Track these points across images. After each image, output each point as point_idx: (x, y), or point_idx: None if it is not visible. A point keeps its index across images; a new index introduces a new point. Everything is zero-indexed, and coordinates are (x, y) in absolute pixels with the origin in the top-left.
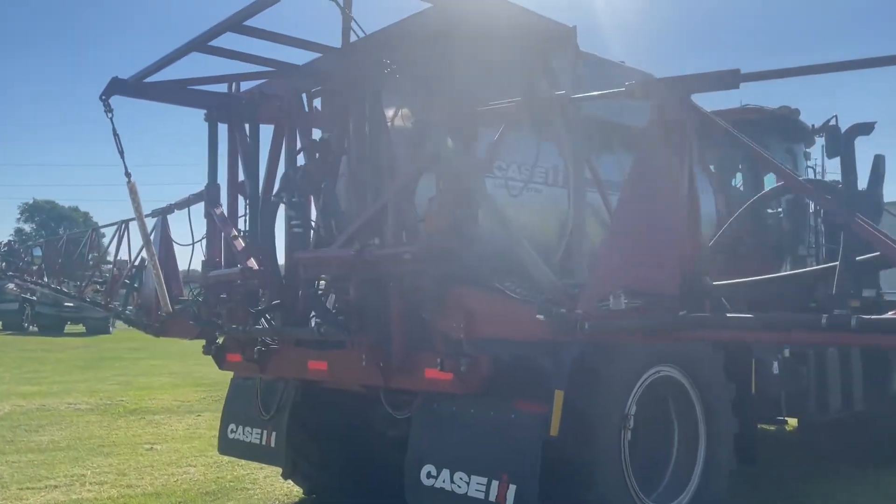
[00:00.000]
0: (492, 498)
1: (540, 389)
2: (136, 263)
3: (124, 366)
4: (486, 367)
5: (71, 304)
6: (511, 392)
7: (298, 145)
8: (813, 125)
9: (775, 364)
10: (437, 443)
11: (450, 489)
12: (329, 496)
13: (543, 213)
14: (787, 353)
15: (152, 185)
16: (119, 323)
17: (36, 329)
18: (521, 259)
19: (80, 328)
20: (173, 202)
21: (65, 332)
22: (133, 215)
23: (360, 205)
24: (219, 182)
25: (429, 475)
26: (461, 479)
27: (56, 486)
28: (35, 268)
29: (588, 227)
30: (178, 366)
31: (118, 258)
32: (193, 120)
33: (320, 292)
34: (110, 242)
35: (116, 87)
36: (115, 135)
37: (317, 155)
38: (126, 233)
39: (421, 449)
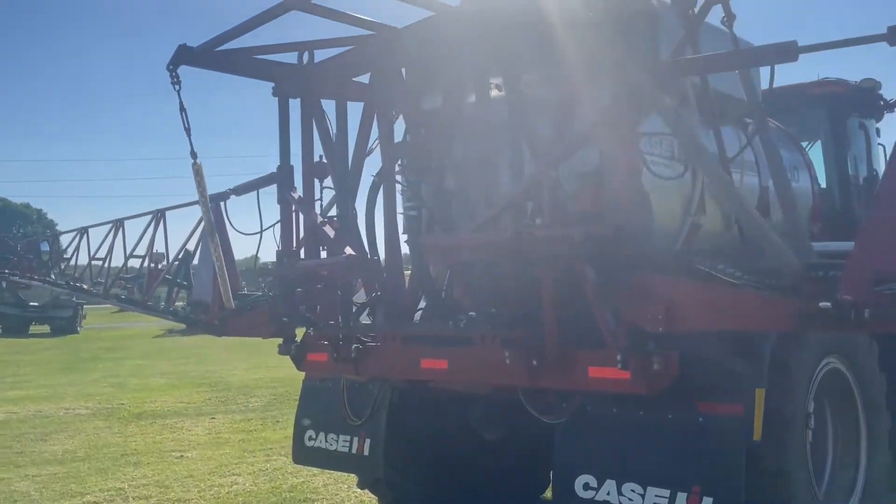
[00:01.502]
0: None
1: (732, 387)
2: (180, 256)
3: (108, 367)
4: (676, 364)
5: (36, 304)
6: (690, 392)
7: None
8: (888, 100)
9: None
10: (595, 450)
11: (617, 502)
12: None
13: (664, 191)
14: None
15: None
16: (86, 322)
17: None
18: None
19: (45, 329)
20: (230, 187)
21: (29, 332)
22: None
23: (481, 183)
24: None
25: (586, 486)
26: (632, 491)
27: (96, 503)
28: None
29: (709, 207)
30: (165, 365)
31: (154, 250)
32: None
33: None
34: (144, 231)
35: (184, 55)
36: (182, 110)
37: (423, 130)
38: (162, 222)
39: (573, 457)
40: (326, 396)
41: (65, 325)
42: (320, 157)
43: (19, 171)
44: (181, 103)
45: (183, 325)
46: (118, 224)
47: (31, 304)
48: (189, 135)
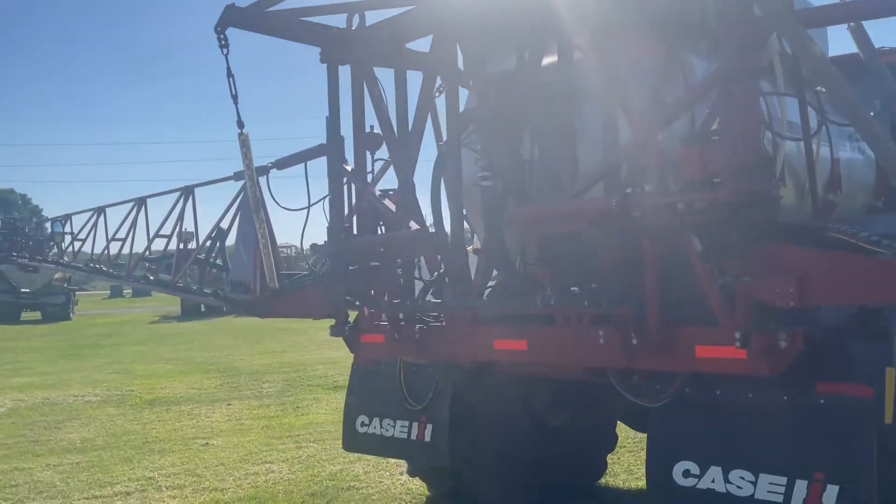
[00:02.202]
0: (798, 501)
1: (859, 367)
2: (213, 235)
3: (109, 353)
4: (801, 342)
5: (28, 290)
6: (808, 372)
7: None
8: None
9: None
10: (696, 435)
11: (723, 490)
12: (470, 494)
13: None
14: None
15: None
16: (78, 308)
17: None
18: None
19: (36, 315)
20: (270, 161)
21: (21, 319)
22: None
23: (562, 152)
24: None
25: (686, 474)
26: (741, 478)
27: (128, 493)
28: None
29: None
30: (168, 351)
31: (184, 229)
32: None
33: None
34: (172, 210)
35: (232, 17)
36: (230, 75)
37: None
38: (191, 200)
39: (671, 443)
40: (379, 380)
41: (57, 312)
42: (371, 127)
43: (2, 156)
44: (228, 68)
45: (178, 311)
46: (140, 202)
47: (23, 290)
48: (236, 102)
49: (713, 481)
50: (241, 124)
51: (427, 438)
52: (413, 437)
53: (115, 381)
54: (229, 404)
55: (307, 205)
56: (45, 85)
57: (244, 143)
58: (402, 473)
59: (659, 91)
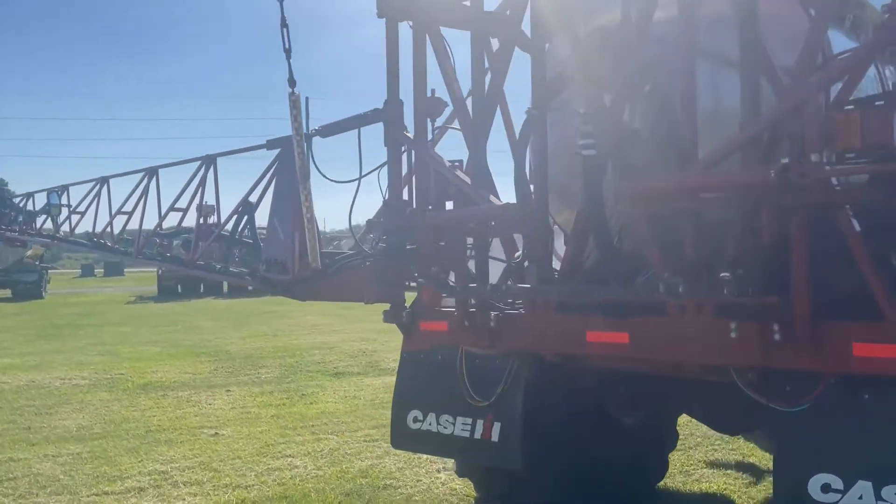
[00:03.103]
0: None
1: None
2: (240, 209)
3: (89, 333)
4: None
5: None
6: None
7: None
8: None
9: None
10: (839, 445)
11: None
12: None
13: None
14: None
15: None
16: (51, 287)
17: None
18: None
19: (7, 293)
20: (315, 127)
21: None
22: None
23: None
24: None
25: (825, 488)
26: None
27: (142, 489)
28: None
29: None
30: (151, 333)
31: (204, 202)
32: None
33: None
34: (189, 182)
35: None
36: (284, 26)
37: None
38: (213, 170)
39: (808, 452)
40: (435, 371)
41: (30, 290)
42: (433, 91)
43: None
44: (283, 17)
45: (154, 291)
46: (151, 172)
47: None
48: (289, 57)
49: (861, 498)
50: (292, 82)
51: (494, 438)
52: (477, 436)
53: (101, 363)
54: (229, 391)
55: (358, 176)
56: (12, 59)
57: (295, 104)
58: (439, 471)
59: (805, 55)
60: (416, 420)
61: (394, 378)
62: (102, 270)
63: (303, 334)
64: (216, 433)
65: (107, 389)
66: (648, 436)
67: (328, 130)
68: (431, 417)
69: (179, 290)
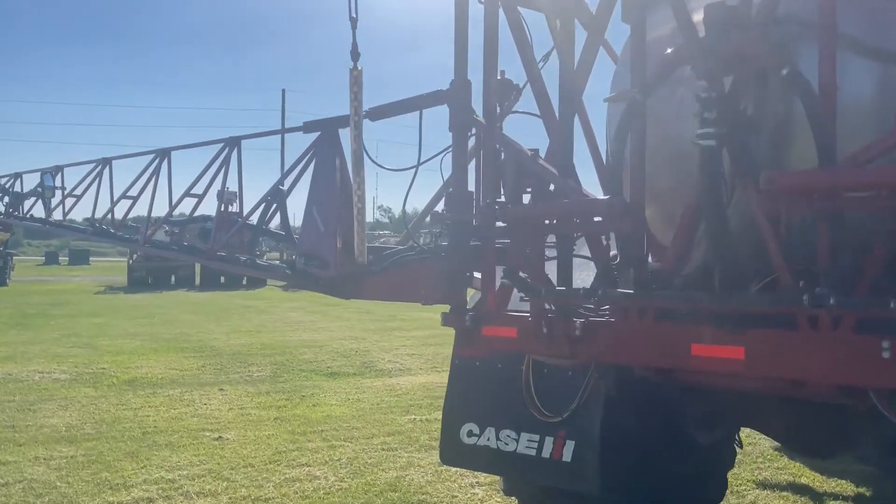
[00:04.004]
0: None
1: None
2: (269, 197)
3: (63, 324)
4: None
5: None
6: None
7: None
8: None
9: None
10: None
11: None
12: None
13: None
14: None
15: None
16: (14, 274)
17: None
18: None
19: None
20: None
21: None
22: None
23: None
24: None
25: None
26: None
27: (151, 500)
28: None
29: None
30: (128, 325)
31: (226, 188)
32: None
33: None
34: (209, 165)
35: None
36: None
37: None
38: (236, 153)
39: None
40: (493, 381)
41: None
42: (502, 73)
43: None
44: None
45: (124, 282)
46: (163, 154)
47: None
48: (354, 26)
49: None
50: (356, 55)
51: (567, 458)
52: (545, 454)
53: (80, 356)
54: (222, 389)
55: (416, 163)
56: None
57: (356, 80)
58: (472, 486)
59: None
60: (470, 434)
61: (393, 380)
62: (67, 258)
63: (288, 331)
64: (220, 437)
65: (91, 385)
66: (711, 454)
67: (380, 113)
68: (490, 432)
69: (150, 281)
